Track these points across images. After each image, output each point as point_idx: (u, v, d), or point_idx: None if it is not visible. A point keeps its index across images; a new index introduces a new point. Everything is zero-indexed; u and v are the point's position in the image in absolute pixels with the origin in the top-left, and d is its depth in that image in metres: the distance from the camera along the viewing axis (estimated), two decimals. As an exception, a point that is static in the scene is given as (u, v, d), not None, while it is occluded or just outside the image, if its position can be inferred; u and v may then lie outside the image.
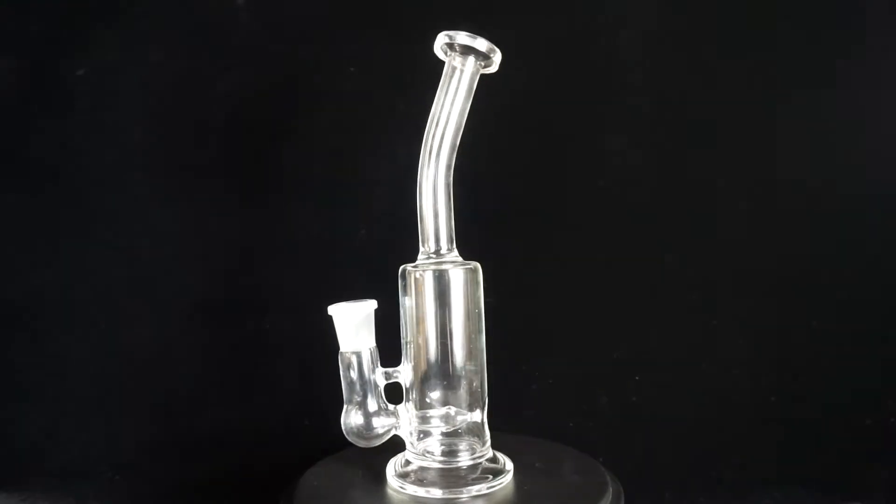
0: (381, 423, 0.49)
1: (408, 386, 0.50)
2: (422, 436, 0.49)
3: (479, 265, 0.50)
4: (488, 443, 0.50)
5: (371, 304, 0.49)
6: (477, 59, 0.49)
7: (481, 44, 0.48)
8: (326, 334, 0.68)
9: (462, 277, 0.48)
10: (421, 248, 0.49)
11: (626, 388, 0.69)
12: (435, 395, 0.49)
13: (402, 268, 0.49)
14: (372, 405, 0.49)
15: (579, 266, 0.69)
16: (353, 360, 0.49)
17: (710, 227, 0.68)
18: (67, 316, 0.67)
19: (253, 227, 0.69)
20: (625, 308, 0.69)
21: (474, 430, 0.49)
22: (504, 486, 0.48)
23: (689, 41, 0.68)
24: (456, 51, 0.48)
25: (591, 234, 0.69)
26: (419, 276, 0.48)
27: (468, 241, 0.52)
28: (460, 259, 0.49)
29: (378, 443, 0.49)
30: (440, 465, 0.49)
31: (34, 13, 0.66)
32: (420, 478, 0.48)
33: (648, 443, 0.67)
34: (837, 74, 0.66)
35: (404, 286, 0.49)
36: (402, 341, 0.50)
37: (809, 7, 0.66)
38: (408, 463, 0.50)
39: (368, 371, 0.49)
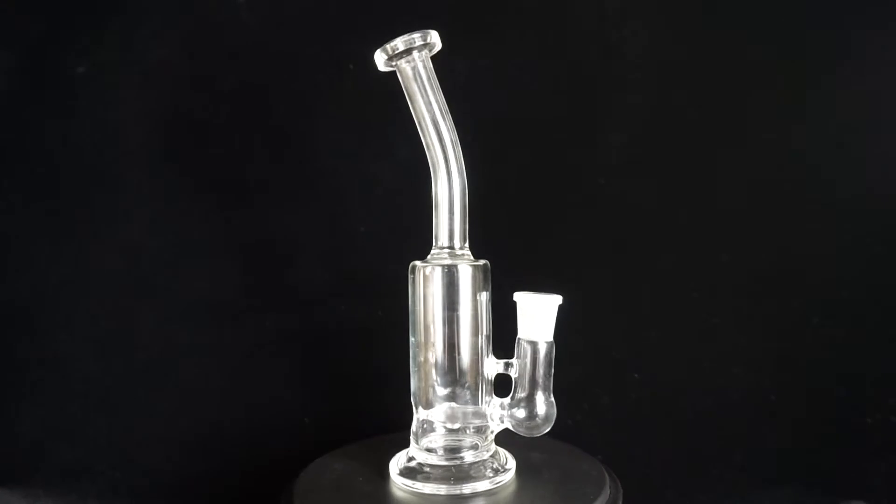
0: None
1: (414, 381, 0.50)
2: (426, 432, 0.49)
3: (488, 263, 0.50)
4: (491, 439, 0.50)
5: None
6: (406, 57, 0.48)
7: (399, 43, 0.48)
8: (326, 332, 0.69)
9: (470, 274, 0.48)
10: (434, 244, 0.50)
11: (625, 386, 0.69)
12: (440, 391, 0.49)
13: (411, 264, 0.49)
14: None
15: (579, 264, 0.69)
16: None
17: (710, 226, 0.68)
18: (68, 314, 0.67)
19: (253, 226, 0.69)
20: (625, 307, 0.69)
21: (478, 427, 0.50)
22: (506, 484, 0.49)
23: (690, 39, 0.68)
24: (393, 59, 0.48)
25: (591, 233, 0.69)
26: (428, 272, 0.48)
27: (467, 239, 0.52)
28: (471, 257, 0.49)
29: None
30: (443, 462, 0.49)
31: (34, 11, 0.66)
32: (423, 474, 0.48)
33: (648, 441, 0.67)
34: (838, 74, 0.67)
35: (413, 282, 0.49)
36: (410, 338, 0.50)
37: (811, 6, 0.67)
38: (411, 459, 0.50)
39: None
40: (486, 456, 0.49)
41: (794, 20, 0.67)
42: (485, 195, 0.66)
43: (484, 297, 0.49)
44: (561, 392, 0.69)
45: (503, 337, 0.51)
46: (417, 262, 0.49)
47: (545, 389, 0.49)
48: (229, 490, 0.65)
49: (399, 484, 0.49)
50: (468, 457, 0.49)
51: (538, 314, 0.48)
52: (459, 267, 0.48)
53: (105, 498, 0.63)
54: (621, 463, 0.55)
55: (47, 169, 0.67)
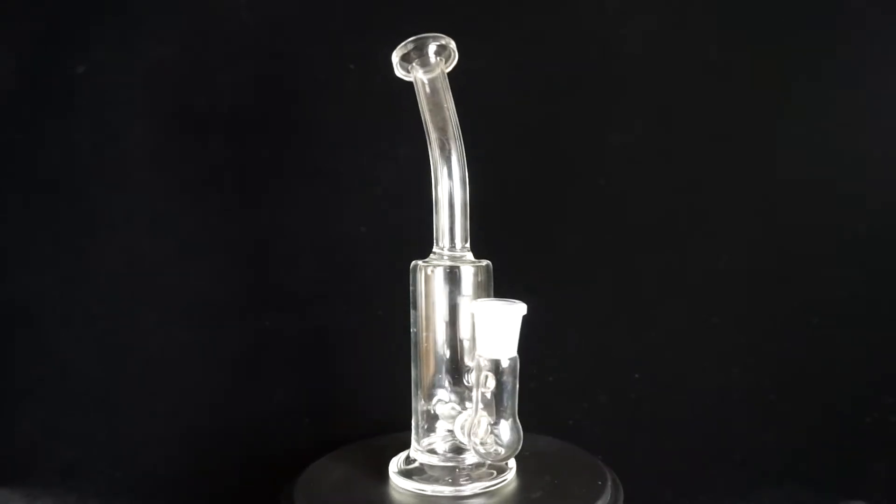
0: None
1: (415, 381, 0.50)
2: (426, 432, 0.49)
3: (490, 263, 0.50)
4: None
5: None
6: (423, 65, 0.49)
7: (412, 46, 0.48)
8: (326, 332, 0.69)
9: (472, 274, 0.48)
10: (435, 245, 0.49)
11: (625, 386, 0.69)
12: (441, 392, 0.49)
13: (413, 263, 0.49)
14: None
15: (579, 264, 0.69)
16: None
17: (710, 226, 0.68)
18: (68, 314, 0.67)
19: (252, 226, 0.69)
20: (624, 306, 0.69)
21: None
22: (506, 484, 0.49)
23: (691, 38, 0.68)
24: (409, 62, 0.49)
25: (591, 233, 0.69)
26: (430, 272, 0.48)
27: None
28: (472, 257, 0.49)
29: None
30: (444, 462, 0.49)
31: (34, 11, 0.66)
32: (423, 475, 0.48)
33: (648, 441, 0.67)
34: (838, 73, 0.67)
35: (414, 282, 0.49)
36: (411, 338, 0.50)
37: (810, 6, 0.67)
38: (411, 460, 0.50)
39: None
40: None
41: (794, 20, 0.67)
42: (485, 195, 0.66)
43: (485, 295, 0.49)
44: (561, 392, 0.69)
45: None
46: (419, 262, 0.49)
47: (511, 414, 0.44)
48: (229, 490, 0.65)
49: (399, 484, 0.49)
50: (469, 457, 0.49)
51: (500, 327, 0.43)
52: (462, 268, 0.48)
53: (105, 498, 0.63)
54: (621, 463, 0.55)
55: (47, 167, 0.67)
